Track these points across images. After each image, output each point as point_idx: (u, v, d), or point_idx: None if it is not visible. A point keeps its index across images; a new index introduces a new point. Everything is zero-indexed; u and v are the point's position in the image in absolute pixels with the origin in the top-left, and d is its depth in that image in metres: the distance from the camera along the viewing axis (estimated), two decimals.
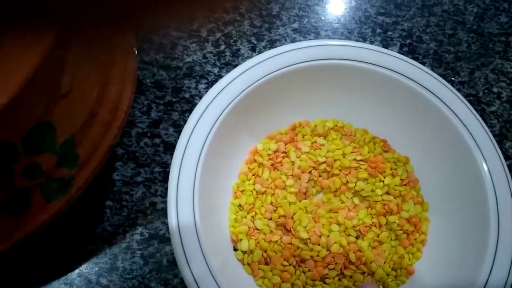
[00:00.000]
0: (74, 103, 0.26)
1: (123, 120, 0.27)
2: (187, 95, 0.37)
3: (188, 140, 0.28)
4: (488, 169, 0.30)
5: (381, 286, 0.31)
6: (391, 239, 0.32)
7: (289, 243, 0.31)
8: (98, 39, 0.23)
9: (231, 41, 0.39)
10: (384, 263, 0.31)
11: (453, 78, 0.41)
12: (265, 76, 0.31)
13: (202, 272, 0.26)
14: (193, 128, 0.28)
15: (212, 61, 0.38)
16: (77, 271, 0.31)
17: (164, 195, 0.33)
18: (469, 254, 0.29)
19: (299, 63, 0.32)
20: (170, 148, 0.34)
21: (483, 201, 0.29)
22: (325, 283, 0.30)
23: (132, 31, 0.28)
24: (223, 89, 0.30)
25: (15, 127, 0.23)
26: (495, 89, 0.41)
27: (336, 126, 0.35)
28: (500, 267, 0.28)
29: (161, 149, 0.35)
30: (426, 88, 0.32)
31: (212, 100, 0.30)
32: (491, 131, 0.39)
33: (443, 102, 0.32)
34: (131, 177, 0.34)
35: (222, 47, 0.39)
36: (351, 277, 0.30)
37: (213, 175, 0.30)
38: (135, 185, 0.33)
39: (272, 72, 0.31)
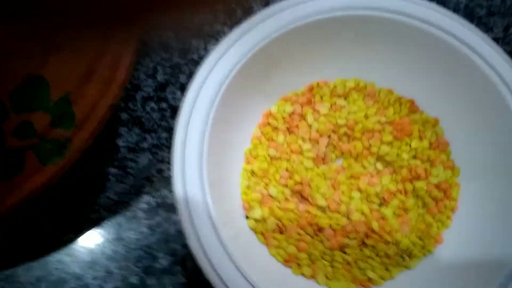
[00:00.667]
0: (70, 56, 0.24)
1: (124, 78, 0.25)
2: (195, 56, 0.34)
3: (194, 102, 0.26)
4: None
5: (406, 256, 0.28)
6: (418, 207, 0.29)
7: (305, 211, 0.29)
8: None
9: None
10: (411, 232, 0.28)
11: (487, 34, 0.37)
12: (278, 31, 0.28)
13: (212, 243, 0.24)
14: (199, 90, 0.26)
15: (222, 19, 0.35)
16: (79, 241, 0.29)
17: None
18: (505, 225, 0.26)
19: (315, 15, 0.29)
20: (177, 113, 0.32)
21: None
22: (344, 253, 0.28)
23: None
24: (231, 46, 0.27)
25: (1, 81, 0.21)
26: None
27: (358, 86, 0.32)
28: None
29: (168, 114, 0.32)
30: (458, 39, 0.29)
31: (220, 59, 0.27)
32: None
33: (479, 56, 0.28)
34: (136, 143, 0.32)
35: (233, 4, 0.36)
36: (373, 247, 0.28)
37: (223, 140, 0.28)
38: (141, 152, 0.31)
39: (286, 27, 0.28)
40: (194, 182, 0.25)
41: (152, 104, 0.33)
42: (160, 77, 0.33)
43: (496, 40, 0.36)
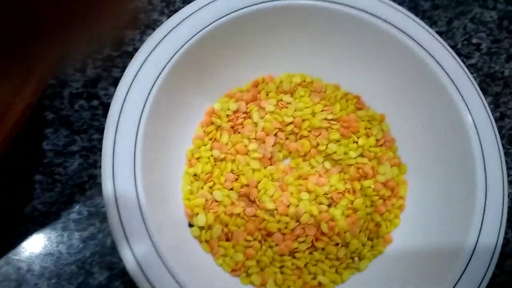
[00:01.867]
0: None
1: (45, 72, 0.22)
2: (130, 49, 0.31)
3: (125, 99, 0.23)
4: (474, 122, 0.27)
5: (356, 258, 0.27)
6: (366, 206, 0.29)
7: (253, 216, 0.27)
8: None
9: None
10: (360, 232, 0.28)
11: (431, 28, 0.37)
12: (218, 19, 0.26)
13: (147, 253, 0.22)
14: (130, 85, 0.23)
15: (159, 7, 0.33)
16: (4, 258, 0.26)
17: None
18: (453, 219, 0.26)
19: (260, 3, 0.27)
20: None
21: (468, 159, 0.26)
22: (294, 257, 0.27)
23: None
24: (165, 36, 0.25)
25: None
26: (474, 40, 0.37)
27: (304, 81, 0.31)
28: (488, 232, 0.25)
29: (100, 112, 0.29)
30: (403, 32, 0.28)
31: (153, 50, 0.24)
32: None
33: (425, 50, 0.28)
34: (64, 146, 0.28)
35: None
36: (323, 249, 0.27)
37: (161, 140, 0.25)
38: (70, 156, 0.28)
39: (227, 15, 0.26)
40: (126, 187, 0.22)
41: (82, 102, 0.29)
42: (90, 71, 0.30)
43: (439, 34, 0.37)
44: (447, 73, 0.28)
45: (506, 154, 0.34)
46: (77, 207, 0.27)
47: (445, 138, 0.28)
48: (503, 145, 0.35)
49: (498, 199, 0.25)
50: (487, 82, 0.37)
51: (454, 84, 0.28)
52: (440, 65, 0.28)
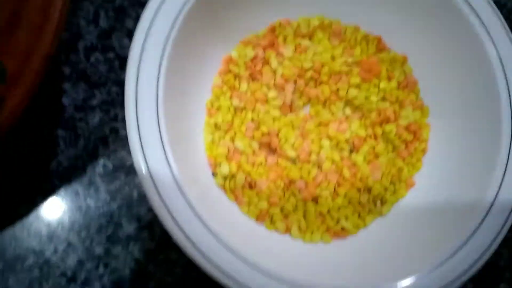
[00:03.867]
0: None
1: (59, 22, 0.21)
2: None
3: (142, 50, 0.23)
4: (502, 65, 0.26)
5: (379, 202, 0.28)
6: (388, 151, 0.29)
7: (275, 164, 0.27)
8: None
9: None
10: (382, 177, 0.28)
11: None
12: None
13: (178, 205, 0.22)
14: (147, 35, 0.23)
15: None
16: (33, 213, 0.27)
17: None
18: (476, 163, 0.26)
19: None
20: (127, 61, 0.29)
21: (494, 101, 0.26)
22: (317, 203, 0.27)
23: None
24: None
25: None
26: None
27: (323, 24, 0.30)
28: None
29: (116, 64, 0.29)
30: None
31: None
32: None
33: None
34: (84, 100, 0.28)
35: None
36: (345, 195, 0.27)
37: (180, 91, 0.25)
38: (90, 110, 0.28)
39: None
40: (152, 140, 0.22)
41: (97, 55, 0.29)
42: (103, 22, 0.29)
43: None
44: (474, 10, 0.26)
45: None
46: (102, 160, 0.28)
47: (469, 78, 0.27)
48: None
49: None
50: None
51: (481, 21, 0.26)
52: (467, 1, 0.26)
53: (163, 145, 0.22)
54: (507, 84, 0.26)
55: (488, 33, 0.26)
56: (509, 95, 0.26)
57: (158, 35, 0.23)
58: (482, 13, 0.27)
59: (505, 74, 0.26)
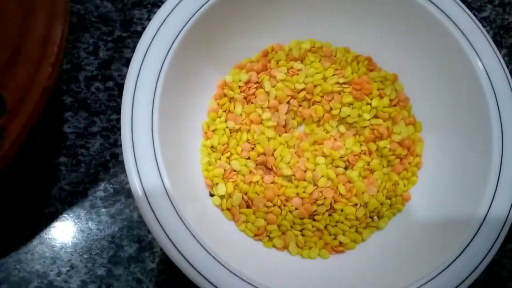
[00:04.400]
0: None
1: (57, 56, 0.23)
2: (139, 28, 0.32)
3: (138, 77, 0.24)
4: (489, 77, 0.26)
5: (375, 217, 0.28)
6: (383, 166, 0.29)
7: (271, 182, 0.28)
8: None
9: None
10: (377, 192, 0.28)
11: None
12: None
13: (176, 227, 0.22)
14: (142, 63, 0.24)
15: None
16: (37, 238, 0.27)
17: None
18: (469, 175, 0.26)
19: None
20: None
21: (484, 114, 0.26)
22: (314, 220, 0.27)
23: None
24: (171, 11, 0.25)
25: None
26: None
27: (314, 47, 0.31)
28: (505, 185, 0.25)
29: (115, 93, 0.30)
30: None
31: (160, 26, 0.25)
32: None
33: (433, 3, 0.27)
34: (85, 127, 0.29)
35: None
36: (342, 210, 0.28)
37: (176, 115, 0.26)
38: (91, 137, 0.29)
39: None
40: (147, 164, 0.23)
41: (97, 84, 0.30)
42: (102, 53, 0.31)
43: None
44: (458, 27, 0.27)
45: None
46: (102, 185, 0.28)
47: (459, 93, 0.28)
48: None
49: None
50: (501, 34, 0.36)
51: (465, 37, 0.27)
52: (451, 19, 0.28)
53: (158, 169, 0.23)
54: (495, 97, 0.26)
55: (474, 48, 0.27)
56: (498, 108, 0.26)
57: (152, 63, 0.24)
58: (468, 33, 0.27)
59: (493, 88, 0.26)
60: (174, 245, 0.22)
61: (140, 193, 0.22)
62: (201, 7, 0.25)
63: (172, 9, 0.25)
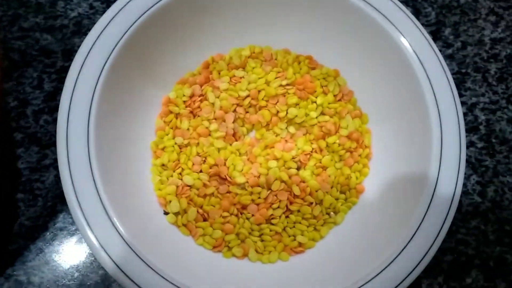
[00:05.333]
0: None
1: None
2: None
3: (69, 111, 0.24)
4: (422, 65, 0.27)
5: (332, 213, 0.28)
6: (335, 162, 0.30)
7: (227, 192, 0.28)
8: None
9: None
10: (332, 188, 0.29)
11: None
12: (156, 3, 0.27)
13: (124, 255, 0.23)
14: (73, 89, 0.24)
15: (101, 9, 0.33)
16: (4, 276, 0.28)
17: None
18: (415, 158, 0.27)
19: None
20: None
21: (421, 100, 0.27)
22: (272, 224, 0.28)
23: None
24: (102, 32, 0.25)
25: None
26: None
27: (254, 52, 0.31)
28: (448, 166, 0.25)
29: None
30: None
31: (91, 49, 0.25)
32: (427, 21, 0.36)
33: (365, 1, 0.28)
34: (37, 161, 0.30)
35: None
36: (298, 211, 0.28)
37: (118, 138, 0.26)
38: (45, 170, 0.29)
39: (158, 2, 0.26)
40: (90, 202, 0.23)
41: (45, 116, 0.31)
42: (47, 85, 0.31)
43: None
44: (389, 20, 0.28)
45: (473, 81, 0.35)
46: (61, 216, 0.29)
47: (398, 85, 0.28)
48: (468, 73, 0.35)
49: (454, 131, 0.26)
50: (444, 14, 0.36)
51: (396, 28, 0.28)
52: (383, 15, 0.28)
53: (102, 203, 0.23)
54: (429, 81, 0.27)
55: (406, 38, 0.27)
56: (433, 91, 0.27)
57: (83, 92, 0.24)
58: (397, 21, 0.28)
59: (429, 79, 0.27)
60: (128, 277, 0.22)
61: (92, 240, 0.22)
62: (131, 26, 0.26)
63: (102, 30, 0.25)
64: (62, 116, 0.24)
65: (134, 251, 0.23)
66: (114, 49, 0.25)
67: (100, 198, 0.23)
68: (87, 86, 0.24)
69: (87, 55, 0.25)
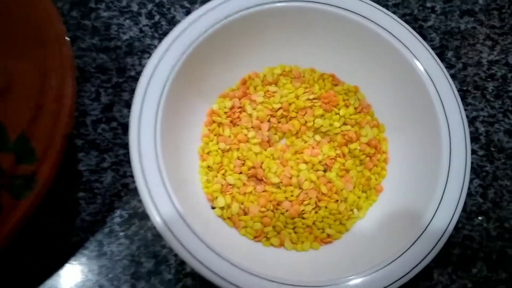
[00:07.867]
0: (17, 98, 0.26)
1: (71, 107, 0.27)
2: (133, 73, 0.36)
3: (140, 117, 0.28)
4: (431, 80, 0.31)
5: (355, 209, 0.33)
6: (356, 165, 0.34)
7: (263, 191, 0.32)
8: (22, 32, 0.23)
9: (164, 9, 0.39)
10: (354, 187, 0.33)
11: (387, 2, 0.42)
12: (203, 34, 0.31)
13: (188, 237, 0.27)
14: (142, 104, 0.29)
15: (150, 33, 0.38)
16: (67, 264, 0.31)
17: None
18: (428, 162, 0.31)
19: (234, 13, 0.32)
20: (128, 128, 0.34)
21: (431, 112, 0.31)
22: (303, 218, 0.32)
23: (60, 19, 0.28)
24: (161, 58, 0.30)
25: None
26: (428, 4, 0.42)
27: (284, 71, 0.36)
28: (455, 168, 0.30)
29: (119, 131, 0.35)
30: (362, 15, 0.33)
31: (154, 71, 0.30)
32: (432, 45, 0.41)
33: (381, 27, 0.32)
34: (96, 164, 0.34)
35: (157, 17, 0.39)
36: (326, 207, 0.32)
37: (174, 145, 0.31)
38: (103, 171, 0.34)
39: (210, 28, 0.31)
40: (157, 190, 0.27)
41: (103, 125, 0.35)
42: (104, 98, 0.36)
43: (396, 5, 0.41)
44: (404, 45, 0.32)
45: (474, 98, 0.39)
46: (118, 212, 0.33)
47: (410, 96, 0.33)
48: (469, 90, 0.40)
49: (460, 137, 0.30)
50: (447, 39, 0.41)
51: (410, 51, 0.32)
52: (397, 38, 0.32)
53: (167, 193, 0.27)
54: (438, 95, 0.31)
55: (418, 60, 0.32)
56: (442, 104, 0.31)
57: (151, 103, 0.29)
58: (410, 43, 0.33)
59: (435, 88, 0.31)
60: (189, 252, 0.26)
61: (156, 215, 0.26)
62: (186, 50, 0.30)
63: (163, 55, 0.30)
64: (134, 122, 0.28)
65: (190, 228, 0.27)
66: (170, 72, 0.30)
67: (165, 187, 0.27)
68: (153, 98, 0.29)
69: (150, 78, 0.29)
